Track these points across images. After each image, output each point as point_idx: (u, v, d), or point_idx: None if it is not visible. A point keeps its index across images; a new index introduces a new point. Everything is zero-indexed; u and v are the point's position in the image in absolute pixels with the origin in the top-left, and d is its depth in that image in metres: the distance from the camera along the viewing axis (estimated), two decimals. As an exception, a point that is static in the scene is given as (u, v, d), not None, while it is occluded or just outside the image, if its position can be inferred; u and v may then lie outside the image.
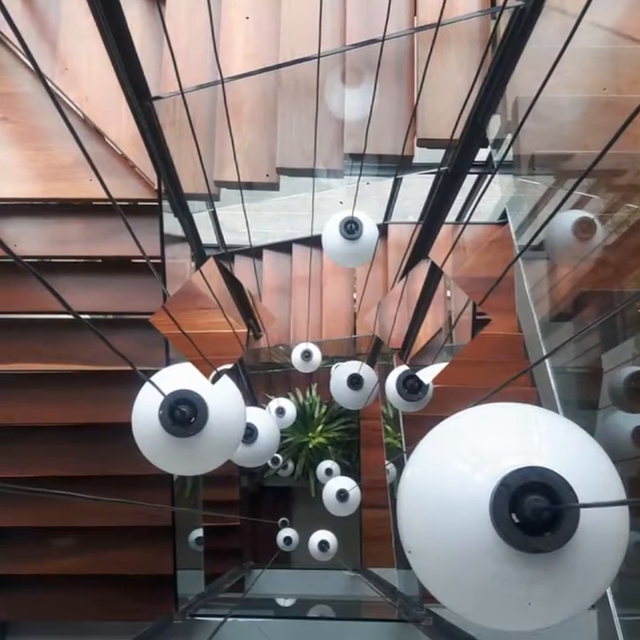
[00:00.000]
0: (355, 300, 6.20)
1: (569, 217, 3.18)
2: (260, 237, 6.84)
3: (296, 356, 5.52)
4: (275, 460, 7.45)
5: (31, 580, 4.08)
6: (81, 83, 3.48)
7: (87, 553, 4.04)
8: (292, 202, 6.70)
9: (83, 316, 1.13)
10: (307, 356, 5.51)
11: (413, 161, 3.45)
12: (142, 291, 3.53)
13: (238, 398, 1.86)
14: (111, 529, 3.99)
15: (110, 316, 3.71)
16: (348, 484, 5.00)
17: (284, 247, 6.41)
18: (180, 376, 1.74)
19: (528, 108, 1.53)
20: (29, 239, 3.57)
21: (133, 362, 1.25)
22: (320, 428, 7.83)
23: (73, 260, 3.67)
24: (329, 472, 6.73)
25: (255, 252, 6.31)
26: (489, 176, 4.70)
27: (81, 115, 3.51)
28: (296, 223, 7.36)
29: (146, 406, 1.66)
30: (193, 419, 1.64)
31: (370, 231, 3.20)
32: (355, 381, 3.79)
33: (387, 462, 6.51)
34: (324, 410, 7.92)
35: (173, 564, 3.73)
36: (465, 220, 5.66)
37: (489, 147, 3.48)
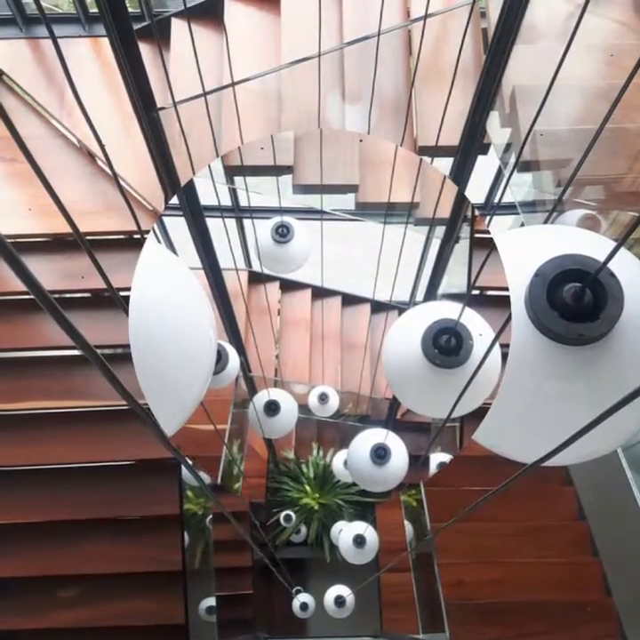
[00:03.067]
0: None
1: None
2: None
3: (313, 400, 5.68)
4: (287, 518, 7.47)
5: (34, 636, 4.22)
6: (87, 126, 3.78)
7: (94, 603, 4.21)
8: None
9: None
10: (323, 399, 5.66)
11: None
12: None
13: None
14: (118, 576, 4.17)
15: (119, 351, 3.93)
16: (363, 528, 4.94)
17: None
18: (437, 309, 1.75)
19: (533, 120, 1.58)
20: (38, 275, 3.82)
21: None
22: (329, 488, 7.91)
23: (81, 295, 3.99)
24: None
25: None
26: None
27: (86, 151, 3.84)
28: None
29: (405, 338, 1.71)
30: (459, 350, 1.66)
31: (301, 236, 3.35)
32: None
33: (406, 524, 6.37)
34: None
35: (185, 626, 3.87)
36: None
37: (490, 152, 3.44)
